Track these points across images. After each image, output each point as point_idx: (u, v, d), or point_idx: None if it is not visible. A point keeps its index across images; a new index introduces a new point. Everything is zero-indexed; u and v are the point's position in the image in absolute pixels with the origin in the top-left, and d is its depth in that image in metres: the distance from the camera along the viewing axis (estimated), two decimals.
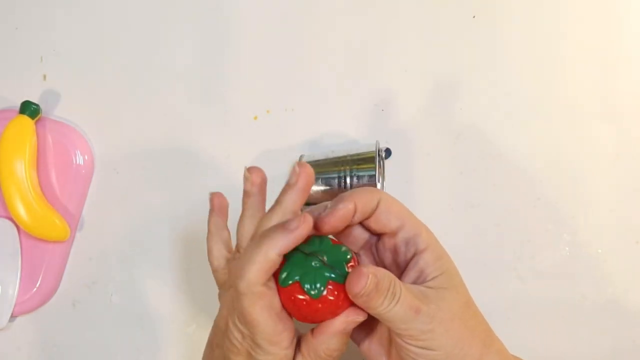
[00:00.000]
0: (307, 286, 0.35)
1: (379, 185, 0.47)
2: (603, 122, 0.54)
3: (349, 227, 0.39)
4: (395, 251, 0.39)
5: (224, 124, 0.54)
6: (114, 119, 0.54)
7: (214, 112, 0.54)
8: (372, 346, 0.40)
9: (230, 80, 0.54)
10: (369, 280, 0.34)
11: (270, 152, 0.50)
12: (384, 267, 0.39)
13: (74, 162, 0.52)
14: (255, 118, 0.54)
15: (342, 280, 0.35)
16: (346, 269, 0.36)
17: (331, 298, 0.35)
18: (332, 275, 0.35)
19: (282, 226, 0.35)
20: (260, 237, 0.35)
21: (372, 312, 0.36)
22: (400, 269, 0.39)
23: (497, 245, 0.53)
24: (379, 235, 0.39)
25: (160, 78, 0.54)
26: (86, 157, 0.53)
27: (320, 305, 0.35)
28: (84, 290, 0.52)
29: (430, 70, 0.55)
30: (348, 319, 0.36)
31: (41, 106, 0.51)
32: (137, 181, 0.53)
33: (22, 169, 0.49)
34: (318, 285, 0.35)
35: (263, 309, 0.35)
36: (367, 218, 0.38)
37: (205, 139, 0.53)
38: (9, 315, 0.50)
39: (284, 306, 0.36)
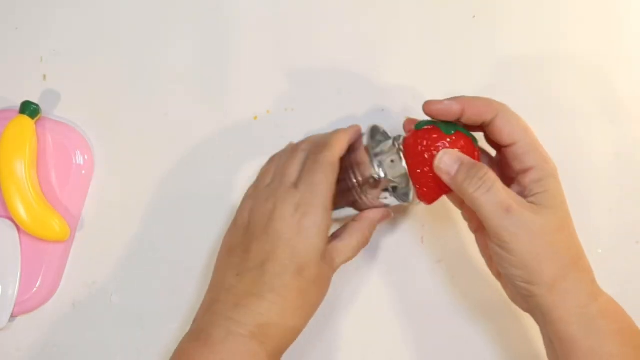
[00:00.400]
0: (443, 128, 0.42)
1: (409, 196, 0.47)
2: (603, 122, 0.54)
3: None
4: (506, 164, 0.43)
5: (224, 124, 0.54)
6: (114, 119, 0.54)
7: (214, 112, 0.54)
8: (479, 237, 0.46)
9: (230, 80, 0.54)
10: (456, 164, 0.41)
11: (270, 152, 0.50)
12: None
13: (74, 162, 0.52)
14: (255, 118, 0.54)
15: (468, 134, 0.42)
16: (472, 134, 0.43)
17: (461, 142, 0.42)
18: (458, 128, 0.42)
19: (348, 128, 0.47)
20: (341, 130, 0.46)
21: (466, 199, 0.40)
22: (507, 183, 0.41)
23: None
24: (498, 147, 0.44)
25: (160, 78, 0.54)
26: (86, 157, 0.53)
27: (449, 140, 0.42)
28: (84, 290, 0.52)
29: (430, 70, 0.55)
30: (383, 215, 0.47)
31: (41, 106, 0.51)
32: (137, 181, 0.53)
33: (22, 169, 0.49)
34: (450, 130, 0.42)
35: (333, 174, 0.43)
36: (483, 126, 0.42)
37: (205, 139, 0.53)
38: (9, 315, 0.50)
39: (418, 150, 0.42)
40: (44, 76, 0.54)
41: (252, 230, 0.43)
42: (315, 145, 0.46)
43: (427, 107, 0.42)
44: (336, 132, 0.46)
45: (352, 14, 0.55)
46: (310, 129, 0.53)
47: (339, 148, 0.44)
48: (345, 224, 0.47)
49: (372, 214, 0.47)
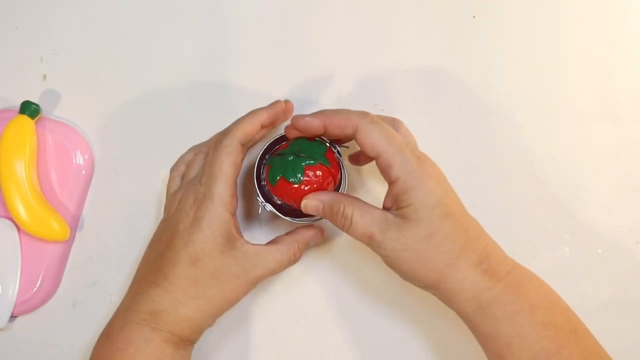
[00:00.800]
0: (290, 178, 0.43)
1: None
2: (603, 122, 0.54)
3: None
4: None
5: (224, 124, 0.54)
6: (114, 119, 0.54)
7: (214, 112, 0.54)
8: None
9: (230, 80, 0.54)
10: (319, 206, 0.43)
11: None
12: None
13: (74, 162, 0.52)
14: None
15: (315, 163, 0.43)
16: (324, 157, 0.43)
17: (313, 179, 0.43)
18: (306, 162, 0.43)
19: (265, 106, 0.47)
20: (246, 114, 0.46)
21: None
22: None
23: None
24: None
25: (160, 78, 0.54)
26: (86, 157, 0.53)
27: (306, 187, 0.43)
28: (84, 290, 0.52)
29: (430, 70, 0.55)
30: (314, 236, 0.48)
31: (41, 106, 0.51)
32: (137, 181, 0.53)
33: (22, 169, 0.49)
34: (298, 175, 0.43)
35: (231, 164, 0.43)
36: (351, 135, 0.42)
37: (205, 139, 0.53)
38: (9, 315, 0.50)
39: (284, 200, 0.44)
40: (44, 76, 0.54)
41: (163, 224, 0.46)
42: (220, 134, 0.46)
43: (293, 122, 0.43)
44: (240, 118, 0.46)
45: (352, 13, 0.55)
46: None
47: (238, 133, 0.44)
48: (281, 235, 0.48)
49: (305, 232, 0.48)
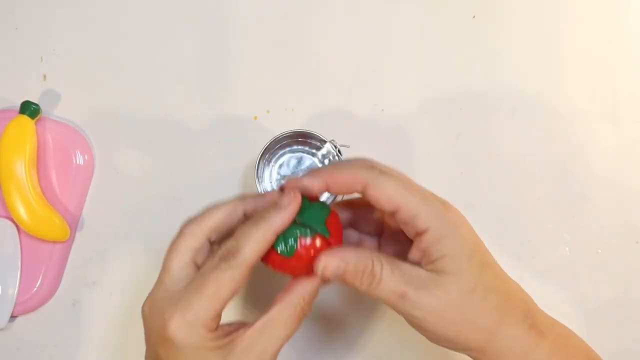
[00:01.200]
0: (279, 248, 0.36)
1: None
2: (603, 122, 0.54)
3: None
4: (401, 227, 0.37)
5: (224, 124, 0.54)
6: (114, 119, 0.54)
7: (214, 112, 0.54)
8: None
9: (230, 80, 0.54)
10: (341, 267, 0.35)
11: None
12: (398, 236, 0.38)
13: (74, 162, 0.52)
14: (255, 118, 0.54)
15: (310, 235, 0.36)
16: (324, 225, 0.36)
17: (304, 253, 0.36)
18: (300, 233, 0.36)
19: (276, 206, 0.36)
20: (255, 219, 0.36)
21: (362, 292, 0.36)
22: (410, 242, 0.37)
23: (497, 246, 0.52)
24: None
25: (160, 78, 0.54)
26: (86, 157, 0.53)
27: (295, 262, 0.36)
28: (84, 290, 0.52)
29: (430, 70, 0.55)
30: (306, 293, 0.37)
31: (41, 106, 0.51)
32: (137, 181, 0.53)
33: (22, 169, 0.49)
34: (289, 245, 0.36)
35: (235, 288, 0.35)
36: (360, 191, 0.36)
37: (205, 139, 0.53)
38: (9, 315, 0.50)
39: (277, 271, 0.37)
40: (44, 76, 0.54)
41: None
42: (224, 248, 0.36)
43: (288, 186, 0.37)
44: (249, 227, 0.36)
45: (352, 14, 0.55)
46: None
47: (249, 257, 0.35)
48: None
49: (303, 286, 0.37)
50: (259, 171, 0.48)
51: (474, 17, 0.55)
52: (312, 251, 0.36)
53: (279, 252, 0.36)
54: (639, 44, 0.55)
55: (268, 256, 0.37)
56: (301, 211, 0.37)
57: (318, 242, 0.36)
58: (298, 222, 0.36)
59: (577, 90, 0.54)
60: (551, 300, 0.52)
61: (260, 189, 0.47)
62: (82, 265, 0.52)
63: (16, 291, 0.50)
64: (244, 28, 0.55)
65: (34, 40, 0.55)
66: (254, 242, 0.35)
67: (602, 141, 0.54)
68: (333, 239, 0.37)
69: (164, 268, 0.37)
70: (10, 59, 0.55)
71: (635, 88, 0.55)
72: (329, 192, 0.37)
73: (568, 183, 0.53)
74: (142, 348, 0.52)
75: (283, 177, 0.51)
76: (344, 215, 0.41)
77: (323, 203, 0.38)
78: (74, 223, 0.52)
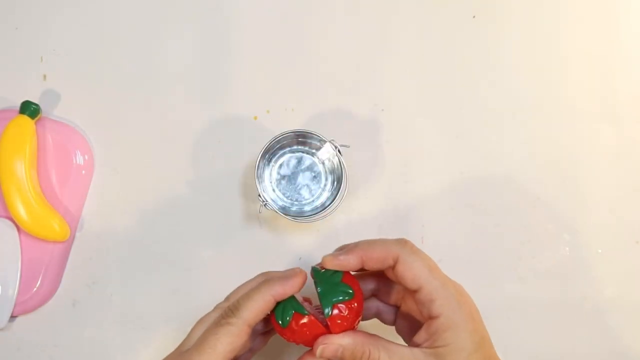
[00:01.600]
0: (277, 317, 0.40)
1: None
2: (603, 122, 0.54)
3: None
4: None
5: (224, 124, 0.54)
6: (114, 119, 0.54)
7: (214, 112, 0.54)
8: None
9: (230, 80, 0.54)
10: (339, 351, 0.38)
11: None
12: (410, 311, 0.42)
13: (74, 162, 0.52)
14: (255, 118, 0.54)
15: (305, 312, 0.39)
16: (331, 307, 0.39)
17: (295, 328, 0.39)
18: (295, 310, 0.39)
19: (283, 275, 0.40)
20: (257, 285, 0.40)
21: None
22: (423, 320, 0.39)
23: (497, 245, 0.53)
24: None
25: (160, 78, 0.54)
26: (86, 157, 0.53)
27: (289, 334, 0.39)
28: (84, 290, 0.52)
29: (430, 70, 0.55)
30: None
31: (41, 106, 0.51)
32: (137, 181, 0.53)
33: (22, 169, 0.49)
34: (283, 318, 0.39)
35: (228, 345, 0.38)
36: (391, 266, 0.39)
37: (205, 139, 0.53)
38: (9, 315, 0.50)
39: (277, 332, 0.41)
40: (44, 76, 0.54)
41: None
42: (228, 308, 0.40)
43: (325, 263, 0.40)
44: (251, 291, 0.40)
45: (352, 14, 0.55)
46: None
47: (247, 314, 0.39)
48: None
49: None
50: (259, 171, 0.48)
51: (474, 17, 0.55)
52: (306, 330, 0.39)
53: (277, 320, 0.39)
54: (639, 44, 0.55)
55: (273, 322, 0.40)
56: (322, 283, 0.40)
57: (313, 324, 0.39)
58: (295, 299, 0.40)
59: (577, 90, 0.55)
60: (551, 300, 0.52)
61: (260, 189, 0.47)
62: (82, 265, 0.52)
63: (16, 291, 0.50)
64: (244, 28, 0.55)
65: (34, 40, 0.55)
66: (253, 302, 0.39)
67: (602, 141, 0.54)
68: (336, 327, 0.39)
69: (187, 336, 0.40)
70: (10, 59, 0.55)
71: (635, 88, 0.55)
72: (364, 266, 0.40)
73: (568, 183, 0.53)
74: (142, 348, 0.52)
75: (283, 177, 0.51)
76: (368, 286, 0.44)
77: (347, 285, 0.40)
78: (74, 223, 0.52)
